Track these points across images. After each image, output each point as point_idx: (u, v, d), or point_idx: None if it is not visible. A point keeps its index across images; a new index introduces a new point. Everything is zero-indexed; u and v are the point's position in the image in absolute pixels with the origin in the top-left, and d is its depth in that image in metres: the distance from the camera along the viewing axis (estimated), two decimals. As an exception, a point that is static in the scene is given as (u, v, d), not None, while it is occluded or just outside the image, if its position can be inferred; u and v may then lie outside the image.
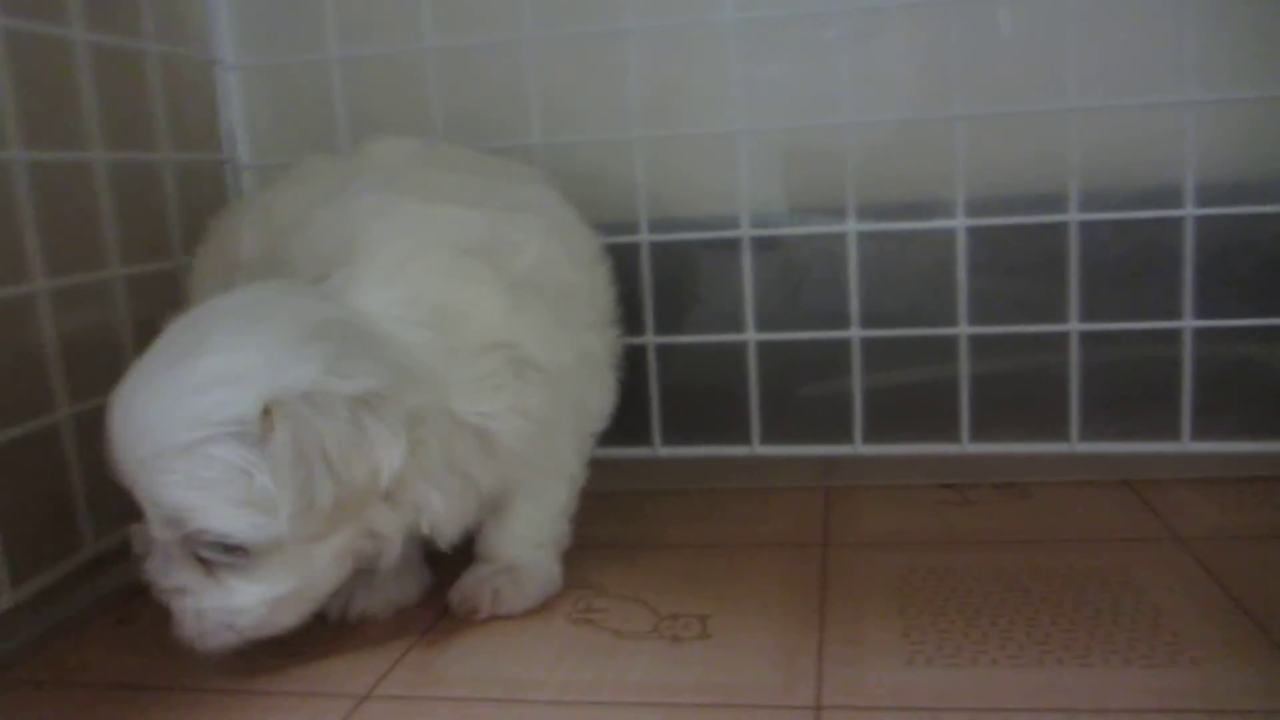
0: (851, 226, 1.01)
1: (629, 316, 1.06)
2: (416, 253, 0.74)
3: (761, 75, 1.01)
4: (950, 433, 1.03)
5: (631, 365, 1.07)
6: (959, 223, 0.99)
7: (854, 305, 1.02)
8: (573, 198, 1.06)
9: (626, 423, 1.08)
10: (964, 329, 1.01)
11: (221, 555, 0.66)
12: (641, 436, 1.08)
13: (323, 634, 0.80)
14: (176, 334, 0.69)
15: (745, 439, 1.06)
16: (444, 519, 0.74)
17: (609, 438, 1.08)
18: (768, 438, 1.06)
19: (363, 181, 0.80)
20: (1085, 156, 0.96)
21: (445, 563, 0.84)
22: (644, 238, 1.04)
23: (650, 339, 1.06)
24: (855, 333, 1.02)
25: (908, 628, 0.75)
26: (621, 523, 1.01)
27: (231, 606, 0.68)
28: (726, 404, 1.07)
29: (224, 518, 0.65)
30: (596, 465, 1.08)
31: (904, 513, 0.99)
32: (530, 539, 0.85)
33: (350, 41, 1.07)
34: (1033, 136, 0.99)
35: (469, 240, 0.76)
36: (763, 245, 1.04)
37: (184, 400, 0.64)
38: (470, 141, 1.04)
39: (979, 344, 1.01)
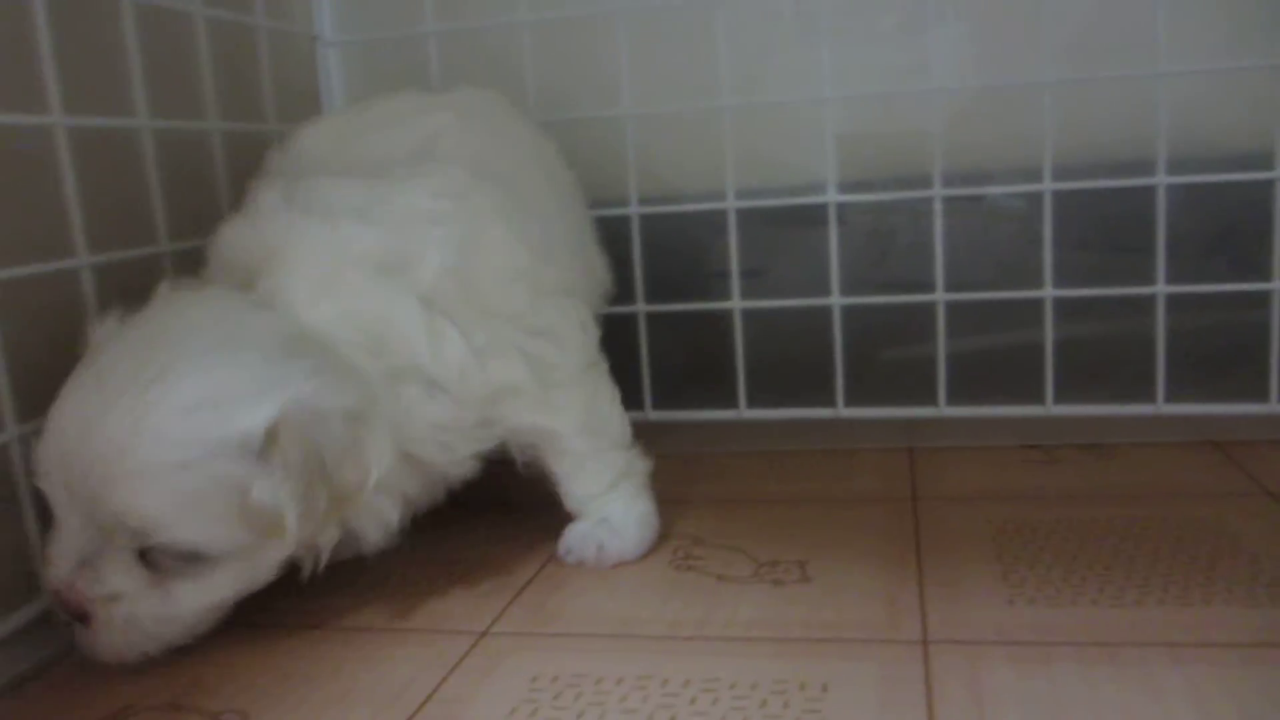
0: (937, 191, 1.02)
1: (714, 282, 1.09)
2: (337, 270, 0.74)
3: (846, 43, 1.03)
4: (1034, 395, 1.04)
5: (716, 330, 1.10)
6: (1045, 187, 1.00)
7: (939, 270, 1.04)
8: (661, 167, 1.09)
9: (711, 386, 1.11)
10: (1049, 291, 1.02)
11: (180, 563, 0.67)
12: (726, 399, 1.11)
13: (439, 577, 0.84)
14: (132, 350, 0.68)
15: (830, 401, 1.09)
16: (375, 530, 0.75)
17: (694, 400, 1.11)
18: (852, 400, 1.08)
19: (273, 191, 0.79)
20: (1173, 120, 0.97)
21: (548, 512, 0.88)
22: (730, 204, 1.06)
23: (736, 304, 1.08)
24: (940, 296, 1.04)
25: (1005, 572, 0.77)
26: (710, 481, 1.04)
27: (168, 614, 0.68)
28: (811, 367, 1.09)
29: (201, 530, 0.66)
30: (681, 428, 1.12)
31: (990, 471, 1.00)
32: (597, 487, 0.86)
33: (445, 16, 1.10)
34: (1119, 101, 1.00)
35: (376, 258, 0.75)
36: (849, 211, 1.05)
37: (175, 419, 0.64)
38: (561, 113, 1.08)
39: (1064, 307, 1.02)
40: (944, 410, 1.06)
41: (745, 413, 1.11)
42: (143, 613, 0.68)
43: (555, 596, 0.79)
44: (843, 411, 1.08)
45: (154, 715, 0.66)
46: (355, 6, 1.14)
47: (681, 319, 1.10)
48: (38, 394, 0.70)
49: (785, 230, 1.09)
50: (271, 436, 0.65)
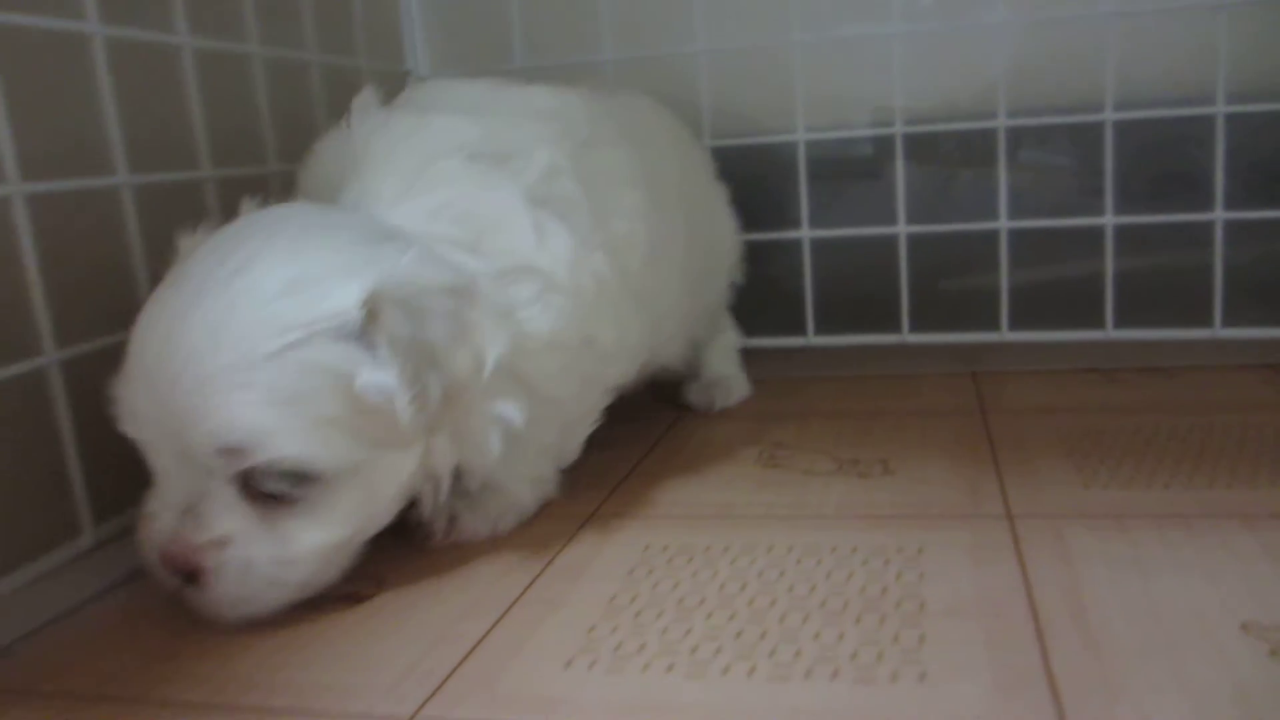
0: (1001, 122, 1.06)
1: (784, 212, 1.14)
2: (430, 162, 0.71)
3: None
4: (1094, 320, 1.09)
5: (785, 258, 1.15)
6: (1107, 117, 1.04)
7: (1002, 199, 1.08)
8: (732, 104, 1.14)
9: (780, 314, 1.16)
10: (1110, 219, 1.06)
11: (289, 488, 0.60)
12: (795, 326, 1.15)
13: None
14: (216, 253, 0.63)
15: (895, 328, 1.13)
16: (489, 445, 0.70)
17: (764, 327, 1.16)
18: (916, 327, 1.13)
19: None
20: (1232, 51, 1.01)
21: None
22: (800, 137, 1.11)
23: (805, 233, 1.13)
24: (1003, 224, 1.08)
25: (1078, 465, 0.81)
26: (782, 399, 1.08)
27: (286, 556, 0.62)
28: (877, 295, 1.13)
29: (305, 439, 0.59)
30: (751, 354, 1.16)
31: (1053, 390, 1.04)
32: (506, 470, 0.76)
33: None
34: (1182, 32, 1.04)
35: (472, 146, 0.72)
36: (914, 142, 1.10)
37: (263, 306, 0.59)
38: (635, 51, 1.13)
39: (1125, 234, 1.06)
40: (1006, 335, 1.10)
41: (814, 339, 1.15)
42: (257, 556, 0.61)
43: (652, 488, 0.84)
44: (908, 337, 1.13)
45: (294, 580, 0.72)
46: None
47: (753, 249, 1.14)
48: (77, 319, 0.71)
49: (854, 167, 1.14)
50: (371, 313, 0.60)
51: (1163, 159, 1.07)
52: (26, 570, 0.68)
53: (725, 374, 1.10)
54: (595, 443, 0.96)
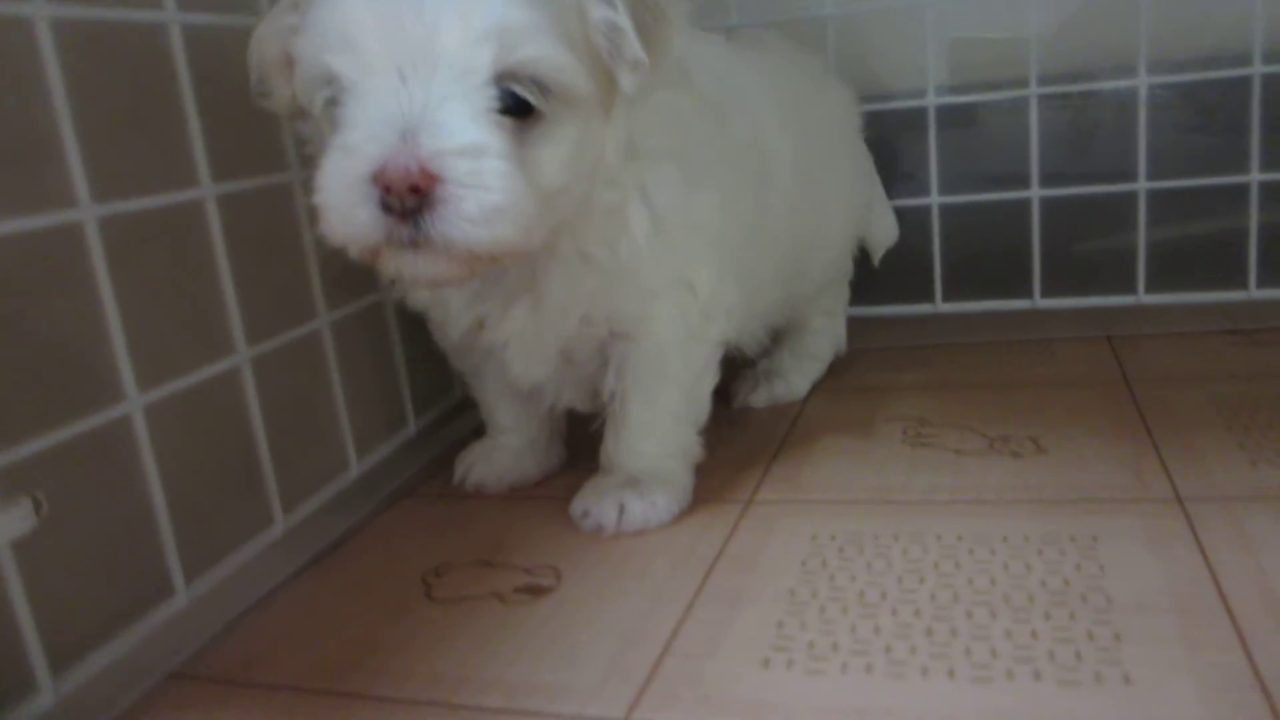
0: (1141, 80, 1.04)
1: (915, 178, 1.12)
2: None
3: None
4: (1234, 280, 1.06)
5: (916, 225, 1.14)
6: (1255, 70, 1.01)
7: (1141, 159, 1.05)
8: (860, 69, 1.12)
9: (907, 281, 1.15)
10: (1254, 176, 1.03)
11: (537, 98, 0.58)
12: (923, 293, 1.15)
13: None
14: None
15: (1027, 293, 1.12)
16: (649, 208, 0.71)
17: (889, 295, 1.16)
18: (1048, 291, 1.11)
19: None
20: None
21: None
22: (930, 101, 1.09)
23: (935, 199, 1.12)
24: (1142, 185, 1.06)
25: (1240, 441, 0.81)
26: (913, 370, 1.08)
27: (528, 179, 0.58)
28: (1007, 258, 1.12)
29: (558, 44, 0.58)
30: (875, 322, 1.16)
31: (1196, 354, 1.03)
32: (649, 448, 0.80)
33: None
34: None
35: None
36: (1049, 103, 1.07)
37: None
38: (764, 16, 1.12)
39: (1268, 191, 1.03)
40: (1142, 298, 1.09)
41: (942, 306, 1.15)
42: (501, 171, 0.57)
43: (804, 470, 0.85)
44: (1039, 302, 1.12)
45: (471, 570, 0.75)
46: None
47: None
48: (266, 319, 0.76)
49: (983, 128, 1.12)
50: None
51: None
52: (228, 562, 0.71)
53: (784, 370, 1.04)
54: (734, 421, 0.99)
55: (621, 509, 0.77)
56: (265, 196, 0.76)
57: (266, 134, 0.77)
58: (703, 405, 0.83)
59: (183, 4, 0.68)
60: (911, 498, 0.78)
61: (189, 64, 0.68)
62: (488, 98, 0.57)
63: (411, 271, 0.60)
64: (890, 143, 1.13)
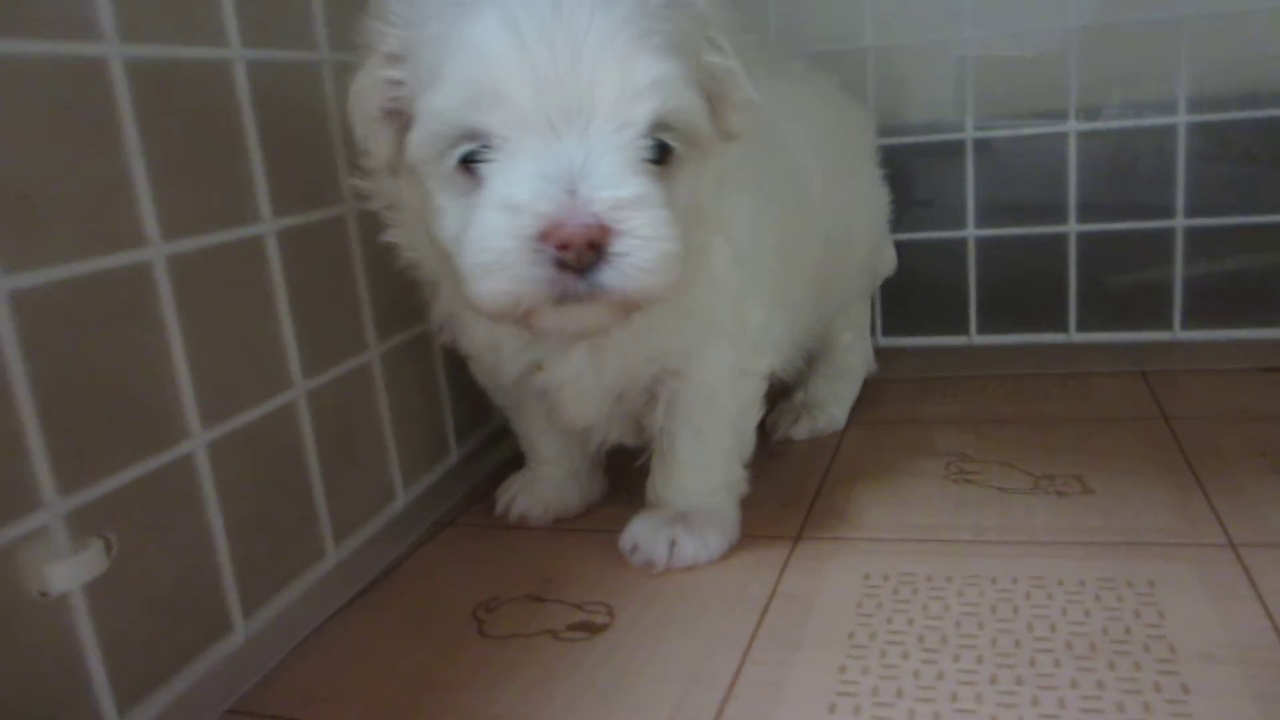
0: (1181, 119, 1.04)
1: (952, 213, 1.13)
2: None
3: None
4: (1273, 317, 1.07)
5: (950, 256, 1.14)
6: (1293, 111, 1.01)
7: (1179, 197, 1.06)
8: (892, 100, 1.13)
9: (941, 312, 1.15)
10: (1293, 215, 1.04)
11: (679, 145, 0.60)
12: (958, 325, 1.15)
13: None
14: None
15: (1062, 326, 1.12)
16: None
17: (923, 326, 1.16)
18: (1084, 325, 1.12)
19: None
20: None
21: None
22: (969, 135, 1.10)
23: (970, 232, 1.12)
24: (1180, 222, 1.06)
25: (1289, 484, 0.81)
26: (948, 403, 1.08)
27: (674, 228, 0.58)
28: (1041, 293, 1.12)
29: (694, 92, 0.60)
30: (909, 353, 1.16)
31: (1235, 392, 1.03)
32: (697, 484, 0.81)
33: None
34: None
35: None
36: (1088, 139, 1.08)
37: None
38: (803, 47, 1.12)
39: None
40: (1179, 334, 1.09)
41: (976, 339, 1.15)
42: (668, 219, 0.57)
43: (849, 506, 0.85)
44: (1075, 336, 1.12)
45: (521, 605, 0.74)
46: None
47: (910, 246, 1.14)
48: (320, 353, 0.76)
49: (1016, 158, 1.12)
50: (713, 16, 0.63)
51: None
52: (283, 596, 0.71)
53: (822, 400, 1.04)
54: (774, 453, 0.99)
55: (673, 545, 0.77)
56: (321, 230, 0.76)
57: (322, 167, 0.77)
58: (749, 440, 0.83)
59: (246, 40, 0.68)
60: (961, 537, 0.78)
61: (252, 99, 0.68)
62: (643, 148, 0.58)
63: (574, 325, 0.61)
64: (920, 172, 1.14)
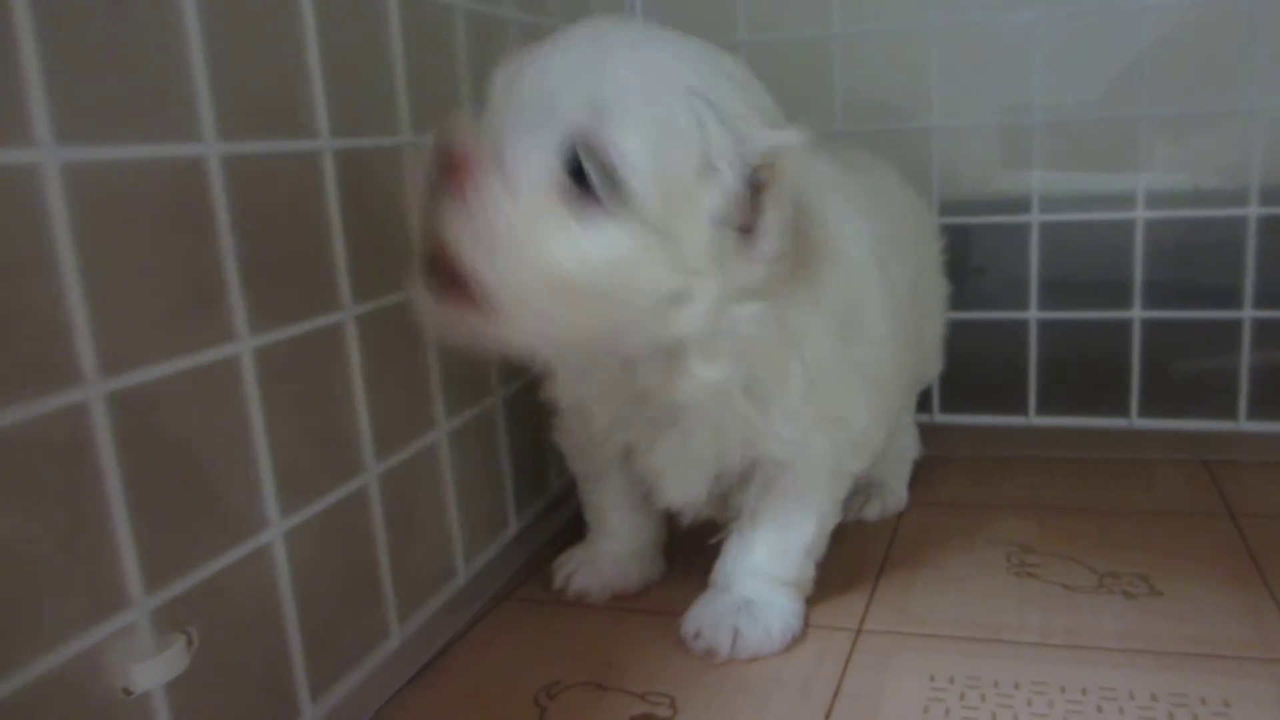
0: (1253, 211, 1.03)
1: (1015, 293, 1.12)
2: None
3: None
4: (1340, 411, 1.05)
5: (1011, 338, 1.13)
6: (1369, 204, 1.00)
7: (1248, 288, 1.04)
8: (953, 178, 1.13)
9: (1000, 392, 1.15)
10: (1364, 309, 1.02)
11: (599, 179, 0.58)
12: (1017, 405, 1.14)
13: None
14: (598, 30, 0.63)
15: (1123, 411, 1.11)
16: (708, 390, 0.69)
17: (983, 405, 1.15)
18: (1145, 411, 1.10)
19: None
20: None
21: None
22: (1035, 218, 1.09)
23: (1033, 314, 1.11)
24: (1248, 313, 1.05)
25: (1362, 595, 0.79)
26: (1005, 486, 1.07)
27: (572, 248, 0.58)
28: (1102, 376, 1.11)
29: (645, 150, 0.58)
30: (966, 430, 1.16)
31: (1301, 487, 1.02)
32: (770, 573, 0.81)
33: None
34: None
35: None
36: (1156, 224, 1.07)
37: (705, 62, 0.63)
38: (869, 125, 1.12)
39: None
40: (1243, 424, 1.08)
41: (1035, 420, 1.14)
42: (535, 225, 0.58)
43: (910, 599, 0.85)
44: (1136, 422, 1.11)
45: (583, 692, 0.74)
46: None
47: (969, 325, 1.13)
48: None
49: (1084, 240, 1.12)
50: (777, 165, 0.62)
51: None
52: (350, 678, 0.72)
53: (886, 480, 1.03)
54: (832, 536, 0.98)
55: (736, 634, 0.77)
56: (394, 312, 0.77)
57: (395, 249, 0.78)
58: (826, 540, 0.84)
59: (335, 131, 0.69)
60: (1026, 639, 0.77)
61: (339, 188, 0.70)
62: (564, 159, 0.59)
63: None
64: (975, 238, 1.13)
